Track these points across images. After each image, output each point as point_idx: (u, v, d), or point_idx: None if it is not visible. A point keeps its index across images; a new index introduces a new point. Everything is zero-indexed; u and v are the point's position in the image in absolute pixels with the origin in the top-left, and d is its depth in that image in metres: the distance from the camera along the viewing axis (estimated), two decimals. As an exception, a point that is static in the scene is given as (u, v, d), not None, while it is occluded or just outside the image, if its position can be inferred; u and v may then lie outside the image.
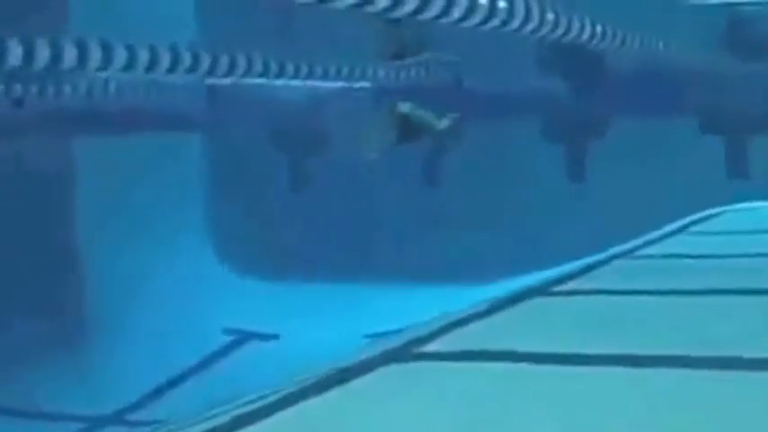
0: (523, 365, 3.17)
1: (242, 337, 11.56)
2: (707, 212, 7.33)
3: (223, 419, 2.88)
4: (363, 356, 3.45)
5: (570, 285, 4.62)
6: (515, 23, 3.78)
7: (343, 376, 3.18)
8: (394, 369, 3.29)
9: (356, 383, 3.13)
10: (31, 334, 10.57)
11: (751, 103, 10.52)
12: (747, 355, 3.08)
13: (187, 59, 5.29)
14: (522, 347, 3.38)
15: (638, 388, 2.87)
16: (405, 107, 9.27)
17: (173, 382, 10.33)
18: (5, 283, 10.62)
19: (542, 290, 4.52)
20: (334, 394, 3.02)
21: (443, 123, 9.34)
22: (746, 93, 10.31)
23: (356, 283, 11.77)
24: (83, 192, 11.94)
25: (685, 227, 6.82)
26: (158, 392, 10.08)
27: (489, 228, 11.67)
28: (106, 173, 11.78)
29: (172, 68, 5.21)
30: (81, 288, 11.82)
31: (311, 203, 12.64)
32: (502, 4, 3.61)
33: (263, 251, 12.44)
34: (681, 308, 4.03)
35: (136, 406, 9.78)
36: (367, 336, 8.46)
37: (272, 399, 2.98)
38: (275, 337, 11.26)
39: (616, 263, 5.37)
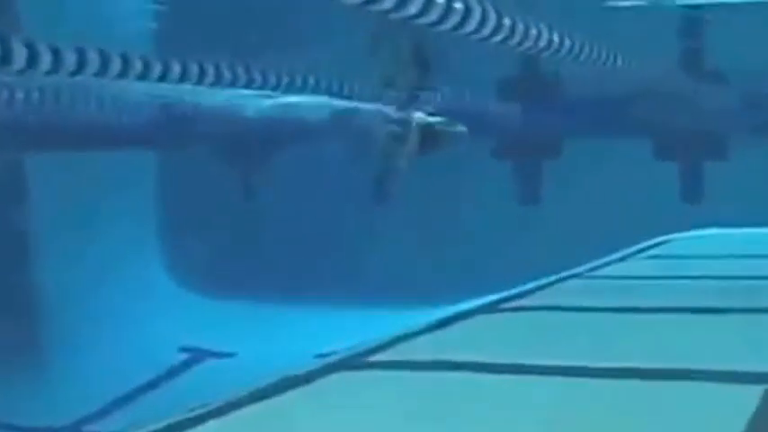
0: (470, 374, 3.22)
1: (197, 355, 11.53)
2: (661, 238, 7.42)
3: (169, 421, 2.89)
4: (312, 365, 3.47)
5: (520, 302, 4.68)
6: (471, 25, 3.79)
7: (292, 383, 3.20)
8: (342, 377, 3.33)
9: (304, 390, 3.16)
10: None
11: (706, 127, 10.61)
12: (692, 366, 3.15)
13: (138, 66, 5.22)
14: (470, 358, 3.42)
15: (582, 397, 2.92)
16: (425, 118, 9.44)
17: (126, 398, 10.29)
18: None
19: (492, 306, 4.58)
20: (280, 400, 3.05)
21: (460, 129, 9.50)
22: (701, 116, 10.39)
23: (306, 301, 11.79)
24: (33, 207, 11.88)
25: (639, 251, 6.90)
26: (112, 408, 10.04)
27: (435, 250, 11.73)
28: (57, 188, 11.72)
29: (122, 74, 5.14)
30: (32, 303, 11.74)
31: (264, 221, 12.66)
32: (458, 5, 3.62)
33: (215, 268, 12.42)
34: (629, 324, 4.09)
35: (88, 420, 9.74)
36: (320, 355, 8.47)
37: (216, 404, 2.98)
38: (231, 355, 11.25)
39: (567, 283, 5.43)
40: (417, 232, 12.02)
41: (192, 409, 2.94)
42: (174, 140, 11.69)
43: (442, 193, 11.80)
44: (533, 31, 4.37)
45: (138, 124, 10.70)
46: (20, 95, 7.80)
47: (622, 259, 6.48)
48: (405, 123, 9.42)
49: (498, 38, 4.08)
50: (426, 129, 9.46)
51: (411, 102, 9.36)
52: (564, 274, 5.66)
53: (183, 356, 11.58)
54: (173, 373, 11.20)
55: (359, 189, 12.11)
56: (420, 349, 3.70)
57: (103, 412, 10.01)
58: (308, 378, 3.27)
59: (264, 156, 12.30)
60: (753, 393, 2.77)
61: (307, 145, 11.65)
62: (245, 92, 8.54)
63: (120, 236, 12.39)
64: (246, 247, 12.64)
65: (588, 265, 6.02)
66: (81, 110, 9.18)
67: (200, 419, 2.87)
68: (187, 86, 7.20)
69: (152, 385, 10.77)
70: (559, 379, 3.12)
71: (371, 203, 12.19)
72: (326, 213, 12.54)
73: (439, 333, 3.99)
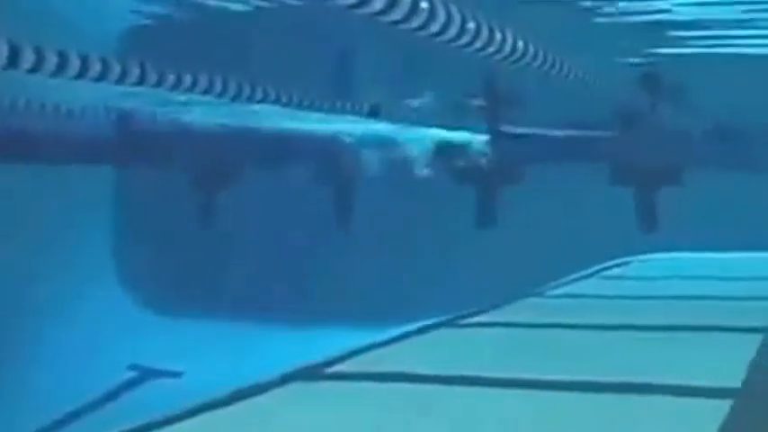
0: (426, 386, 3.22)
1: (146, 374, 11.43)
2: (617, 260, 7.49)
3: (125, 427, 2.85)
4: (271, 376, 3.45)
5: (479, 319, 4.67)
6: (435, 27, 3.79)
7: (250, 392, 3.18)
8: (299, 387, 3.31)
9: (259, 400, 3.14)
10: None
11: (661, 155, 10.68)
12: (651, 381, 3.15)
13: (97, 66, 5.14)
14: (426, 371, 3.43)
15: (537, 409, 2.92)
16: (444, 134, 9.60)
17: (73, 415, 10.20)
18: None
19: (452, 322, 4.57)
20: (239, 407, 3.03)
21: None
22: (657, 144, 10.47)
23: (262, 320, 11.74)
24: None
25: (596, 272, 6.95)
26: (57, 425, 9.93)
27: (394, 271, 11.71)
28: (13, 202, 11.60)
29: (80, 74, 5.05)
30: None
31: (219, 240, 12.59)
32: (424, 5, 3.61)
33: (169, 286, 12.35)
34: (586, 341, 4.09)
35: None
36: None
37: (172, 413, 2.96)
38: (179, 374, 11.15)
39: (526, 301, 5.44)
40: (375, 254, 12.01)
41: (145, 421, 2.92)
42: (136, 157, 11.56)
43: (399, 216, 11.80)
44: (498, 38, 4.38)
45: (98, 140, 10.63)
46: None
47: (580, 279, 6.51)
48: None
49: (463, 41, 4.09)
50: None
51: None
52: (523, 292, 5.68)
53: (132, 374, 11.48)
54: (120, 390, 11.10)
55: (316, 211, 12.09)
56: (377, 361, 3.69)
57: (49, 429, 9.90)
58: (264, 388, 3.25)
59: (228, 176, 12.26)
60: (720, 408, 2.78)
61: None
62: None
63: (76, 252, 12.29)
64: (201, 267, 12.58)
65: (547, 285, 6.05)
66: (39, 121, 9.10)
67: (155, 426, 2.84)
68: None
69: (99, 403, 10.67)
70: (515, 392, 3.13)
71: (329, 225, 12.18)
72: (283, 235, 12.51)
73: (397, 346, 3.98)
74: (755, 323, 4.26)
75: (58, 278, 11.87)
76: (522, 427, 2.74)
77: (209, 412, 2.95)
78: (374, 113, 8.47)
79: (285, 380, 3.37)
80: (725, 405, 2.81)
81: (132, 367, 11.48)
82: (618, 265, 7.32)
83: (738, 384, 3.09)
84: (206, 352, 11.46)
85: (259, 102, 6.78)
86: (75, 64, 4.96)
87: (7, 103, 8.25)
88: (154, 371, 11.43)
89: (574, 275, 6.65)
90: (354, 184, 10.59)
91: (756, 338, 3.90)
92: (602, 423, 2.73)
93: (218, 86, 6.06)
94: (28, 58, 4.68)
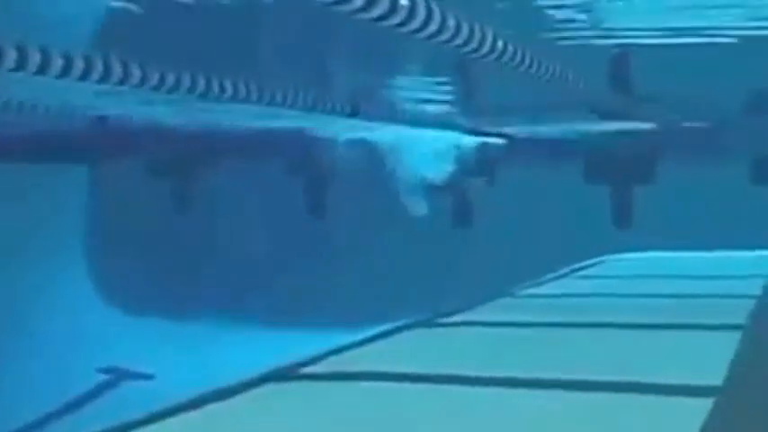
0: (401, 385, 3.21)
1: (117, 376, 11.38)
2: (593, 260, 7.52)
3: (101, 427, 2.84)
4: (246, 377, 3.42)
5: (455, 318, 4.67)
6: (415, 24, 3.76)
7: (223, 393, 3.16)
8: (274, 387, 3.29)
9: (236, 400, 3.12)
10: None
11: (636, 152, 10.71)
12: (627, 379, 3.15)
13: (80, 65, 5.08)
14: (401, 369, 3.42)
15: (511, 406, 2.92)
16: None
17: (45, 418, 10.15)
18: None
19: (427, 321, 4.56)
20: (212, 408, 3.00)
21: None
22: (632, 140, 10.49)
23: (234, 323, 11.73)
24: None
25: (572, 271, 6.97)
26: (32, 427, 9.89)
27: (365, 271, 11.71)
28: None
29: (63, 73, 5.00)
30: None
31: (193, 240, 12.55)
32: (403, 2, 3.59)
33: (142, 288, 12.31)
34: (561, 339, 4.10)
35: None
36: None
37: (143, 415, 2.93)
38: (150, 376, 11.11)
39: (502, 300, 5.44)
40: (353, 255, 12.00)
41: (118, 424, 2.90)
42: (110, 156, 11.44)
43: (381, 215, 11.80)
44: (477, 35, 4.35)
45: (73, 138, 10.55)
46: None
47: (556, 279, 6.52)
48: None
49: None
50: None
51: None
52: (499, 292, 5.68)
53: (103, 376, 11.44)
54: (92, 393, 11.06)
55: (293, 210, 12.06)
56: (353, 361, 3.67)
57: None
58: (238, 389, 3.23)
59: (199, 173, 12.19)
60: (702, 406, 2.76)
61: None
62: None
63: (47, 252, 12.24)
64: (174, 267, 12.54)
65: (523, 284, 6.05)
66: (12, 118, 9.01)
67: (127, 428, 2.82)
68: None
69: (70, 406, 10.62)
70: (492, 390, 3.12)
71: (307, 225, 12.16)
72: (259, 233, 12.49)
73: (372, 346, 3.98)
74: (734, 321, 4.27)
75: (28, 278, 11.82)
76: (499, 424, 2.73)
77: (182, 414, 2.93)
78: (354, 112, 8.43)
79: (260, 381, 3.36)
80: (707, 403, 2.79)
81: (104, 369, 11.43)
82: (593, 265, 7.35)
83: (720, 382, 3.08)
84: (177, 353, 11.44)
85: (239, 100, 6.73)
86: (57, 63, 4.91)
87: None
88: (126, 372, 11.39)
89: (549, 275, 6.67)
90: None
91: (735, 336, 3.90)
92: (582, 421, 2.73)
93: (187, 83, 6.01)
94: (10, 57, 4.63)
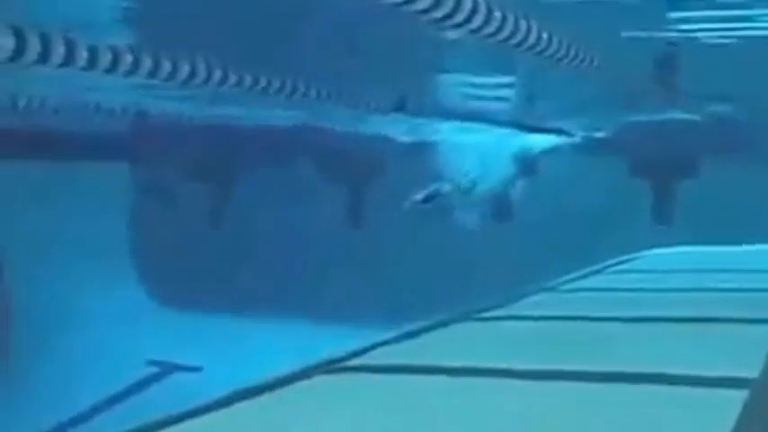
0: (444, 378, 3.25)
1: (166, 369, 11.49)
2: (630, 255, 7.50)
3: (146, 421, 2.89)
4: (292, 369, 3.48)
5: (494, 313, 4.71)
6: (460, 17, 3.80)
7: (270, 385, 3.22)
8: (321, 380, 3.34)
9: (282, 392, 3.18)
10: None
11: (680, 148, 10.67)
12: (667, 371, 3.19)
13: (128, 60, 5.10)
14: (443, 363, 3.46)
15: (554, 399, 2.96)
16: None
17: (93, 411, 10.25)
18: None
19: (467, 316, 4.61)
20: (258, 401, 3.07)
21: None
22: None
23: (277, 317, 11.77)
24: (5, 219, 11.80)
25: (609, 266, 6.97)
26: (81, 419, 10.00)
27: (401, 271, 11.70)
28: (29, 200, 11.66)
29: (111, 69, 5.02)
30: (4, 315, 11.68)
31: (235, 234, 12.61)
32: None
33: (187, 282, 12.38)
34: (601, 333, 4.12)
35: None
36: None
37: (192, 407, 2.99)
38: (198, 369, 11.21)
39: (540, 295, 5.47)
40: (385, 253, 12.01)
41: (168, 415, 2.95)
42: (152, 154, 11.50)
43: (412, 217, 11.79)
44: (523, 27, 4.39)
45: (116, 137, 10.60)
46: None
47: (596, 273, 6.54)
48: None
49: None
50: None
51: None
52: (537, 287, 5.71)
53: (151, 370, 11.54)
54: (141, 385, 11.16)
55: (329, 211, 12.10)
56: (398, 355, 3.73)
57: (69, 425, 9.95)
58: (284, 381, 3.29)
59: (243, 172, 12.22)
60: (737, 398, 2.81)
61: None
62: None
63: (94, 248, 12.34)
64: (215, 262, 12.60)
65: (560, 279, 6.08)
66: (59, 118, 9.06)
67: (177, 420, 2.88)
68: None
69: (119, 398, 10.72)
70: (533, 383, 3.15)
71: (341, 224, 12.19)
72: (295, 233, 12.51)
73: (413, 341, 4.02)
74: (771, 314, 4.29)
75: (76, 274, 11.93)
76: (539, 416, 2.77)
77: (230, 406, 2.98)
78: (400, 107, 8.33)
79: (306, 373, 3.41)
80: (742, 395, 2.83)
81: (152, 363, 11.54)
82: (632, 259, 7.35)
83: (756, 374, 3.12)
84: (224, 347, 11.51)
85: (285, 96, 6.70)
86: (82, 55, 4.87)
87: (24, 102, 8.23)
88: (173, 366, 11.49)
89: (586, 270, 6.68)
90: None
91: (772, 329, 3.93)
92: (620, 413, 2.77)
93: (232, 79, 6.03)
94: (34, 49, 4.59)
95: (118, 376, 11.09)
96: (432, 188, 9.83)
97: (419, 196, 9.76)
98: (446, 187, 10.20)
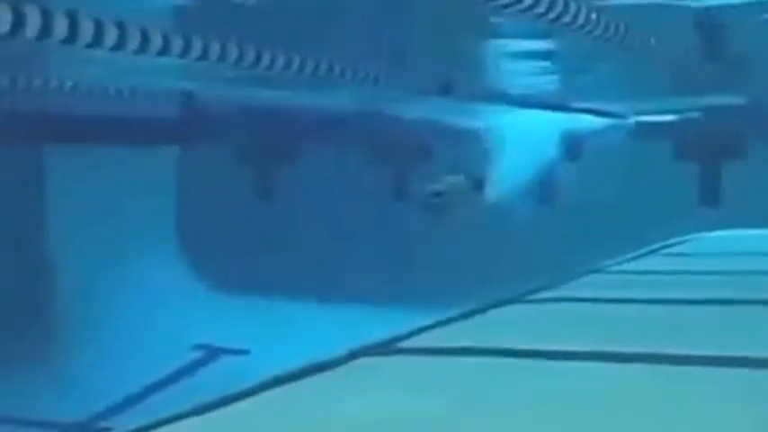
0: (496, 359, 3.26)
1: (212, 352, 11.55)
2: (678, 238, 7.48)
3: (197, 403, 2.91)
4: (339, 352, 3.50)
5: (543, 294, 4.72)
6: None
7: (318, 367, 3.24)
8: (368, 362, 3.35)
9: (331, 374, 3.20)
10: (2, 346, 10.54)
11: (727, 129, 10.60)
12: (704, 353, 3.20)
13: (157, 41, 5.08)
14: (495, 345, 3.46)
15: (605, 381, 2.97)
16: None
17: (140, 395, 10.32)
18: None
19: (516, 298, 4.61)
20: (307, 383, 3.09)
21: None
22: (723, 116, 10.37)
23: (323, 300, 11.81)
24: (53, 203, 11.91)
25: (656, 249, 6.96)
26: (124, 405, 10.06)
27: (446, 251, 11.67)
28: (77, 184, 11.75)
29: (141, 49, 5.01)
30: (52, 299, 11.79)
31: (283, 218, 12.64)
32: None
33: (233, 266, 12.44)
34: (650, 315, 4.12)
35: (101, 416, 9.75)
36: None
37: (243, 388, 3.01)
38: (245, 352, 11.26)
39: (589, 277, 5.48)
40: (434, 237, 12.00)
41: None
42: (200, 137, 11.49)
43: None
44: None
45: (163, 120, 10.64)
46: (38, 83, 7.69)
47: (643, 256, 6.53)
48: None
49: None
50: None
51: None
52: (586, 269, 5.71)
53: (198, 354, 11.61)
54: (186, 370, 11.22)
55: (378, 192, 12.10)
56: (446, 337, 3.73)
57: (116, 409, 10.02)
58: (333, 363, 3.31)
59: (287, 154, 12.22)
60: None
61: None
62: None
63: (140, 231, 12.42)
64: (263, 246, 12.65)
65: (610, 262, 6.08)
66: (103, 101, 9.09)
67: (226, 401, 2.90)
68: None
69: (165, 382, 10.78)
70: (583, 364, 3.16)
71: (391, 205, 12.17)
72: (344, 214, 12.54)
73: (465, 322, 4.04)
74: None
75: (124, 259, 12.02)
76: (587, 397, 2.78)
77: (278, 387, 3.01)
78: (446, 90, 8.27)
79: (354, 355, 3.42)
80: None
81: (199, 346, 11.61)
82: (680, 242, 7.33)
83: None
84: (270, 330, 11.55)
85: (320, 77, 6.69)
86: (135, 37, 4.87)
87: (70, 86, 8.28)
88: (220, 349, 11.56)
89: (636, 253, 6.67)
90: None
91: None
92: (669, 393, 2.77)
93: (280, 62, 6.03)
94: (87, 32, 4.59)
95: (164, 361, 11.16)
96: (443, 182, 9.74)
97: (430, 190, 9.66)
98: (459, 181, 10.10)
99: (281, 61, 6.13)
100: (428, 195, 9.61)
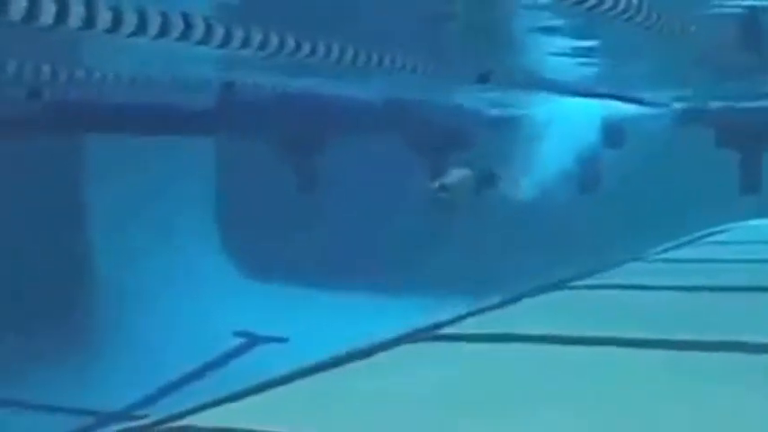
0: (537, 346, 3.26)
1: (252, 340, 11.60)
2: (720, 227, 7.46)
3: (241, 387, 2.93)
4: (381, 338, 3.51)
5: (585, 282, 4.71)
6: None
7: (360, 354, 3.25)
8: (411, 348, 3.36)
9: (375, 359, 3.21)
10: (44, 332, 10.62)
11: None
12: (754, 340, 3.18)
13: (200, 28, 5.08)
14: (536, 331, 3.46)
15: (648, 367, 2.97)
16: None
17: (179, 383, 10.37)
18: (19, 284, 10.70)
19: (559, 285, 4.61)
20: (350, 368, 3.10)
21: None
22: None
23: (360, 289, 11.82)
24: (93, 191, 11.98)
25: (699, 238, 6.94)
26: (167, 391, 10.12)
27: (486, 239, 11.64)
28: (118, 174, 11.82)
29: (183, 37, 5.01)
30: (93, 287, 11.87)
31: (322, 206, 12.66)
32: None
33: (272, 254, 12.48)
34: (691, 301, 4.11)
35: (139, 405, 9.81)
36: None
37: (284, 373, 3.03)
38: (284, 340, 11.30)
39: (631, 265, 5.47)
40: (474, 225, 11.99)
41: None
42: (238, 126, 11.52)
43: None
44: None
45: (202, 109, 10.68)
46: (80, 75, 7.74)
47: (685, 244, 6.51)
48: None
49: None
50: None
51: None
52: (627, 257, 5.70)
53: (238, 341, 11.66)
54: (226, 357, 11.27)
55: (416, 181, 12.09)
56: (488, 324, 3.74)
57: (155, 397, 10.08)
58: (378, 349, 3.32)
59: (325, 143, 12.23)
60: None
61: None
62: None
63: (180, 220, 12.49)
64: (301, 234, 12.69)
65: (650, 251, 6.07)
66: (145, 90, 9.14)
67: (268, 386, 2.91)
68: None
69: (208, 368, 10.84)
70: (625, 350, 3.15)
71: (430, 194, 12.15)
72: (382, 203, 12.55)
73: (505, 309, 4.04)
74: None
75: (165, 247, 12.08)
76: (630, 384, 2.77)
77: (320, 373, 3.02)
78: (485, 78, 8.21)
79: (397, 341, 3.42)
80: None
81: (239, 333, 11.66)
82: (722, 231, 7.30)
83: None
84: (307, 318, 11.59)
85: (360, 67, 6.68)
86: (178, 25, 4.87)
87: (112, 77, 8.32)
88: (260, 337, 11.60)
89: (676, 241, 6.66)
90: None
91: None
92: (712, 381, 2.77)
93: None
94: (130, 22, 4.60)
95: (203, 348, 11.21)
96: (449, 175, 9.67)
97: (436, 183, 9.61)
98: (465, 175, 10.03)
99: (321, 50, 6.12)
100: (433, 189, 9.57)
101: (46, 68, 7.45)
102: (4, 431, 9.35)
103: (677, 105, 10.83)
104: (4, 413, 9.56)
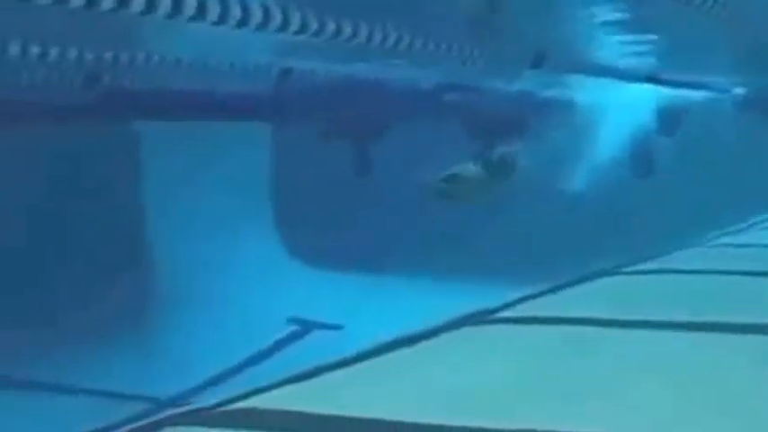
0: (592, 329, 3.27)
1: (307, 326, 11.62)
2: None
3: (292, 373, 2.96)
4: (437, 322, 3.53)
5: (639, 267, 4.70)
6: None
7: (415, 338, 3.26)
8: (466, 331, 3.37)
9: (429, 344, 3.22)
10: (101, 318, 10.69)
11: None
12: None
13: (278, 17, 5.13)
14: (591, 315, 3.46)
15: (704, 350, 2.96)
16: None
17: (234, 370, 10.40)
18: (75, 268, 10.79)
19: (612, 270, 4.60)
20: (405, 353, 3.12)
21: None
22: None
23: (414, 276, 11.81)
24: (151, 178, 12.05)
25: (755, 224, 6.89)
26: (221, 378, 10.15)
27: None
28: (175, 160, 11.88)
29: (262, 26, 5.06)
30: (150, 275, 11.94)
31: (377, 193, 12.65)
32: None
33: (328, 241, 12.49)
34: (751, 286, 4.10)
35: (194, 392, 9.85)
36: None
37: (343, 356, 3.05)
38: (339, 327, 11.31)
39: (687, 251, 5.44)
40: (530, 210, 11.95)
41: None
42: (295, 112, 11.52)
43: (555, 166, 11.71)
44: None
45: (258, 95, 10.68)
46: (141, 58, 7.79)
47: (740, 231, 6.47)
48: None
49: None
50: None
51: None
52: (685, 242, 5.68)
53: (292, 328, 11.68)
54: (280, 344, 11.30)
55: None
56: (542, 307, 3.74)
57: (209, 384, 10.11)
58: (432, 333, 3.33)
59: (382, 129, 12.23)
60: None
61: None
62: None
63: (234, 206, 12.53)
64: (357, 221, 12.69)
65: (708, 235, 6.03)
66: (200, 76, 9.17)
67: (329, 368, 2.94)
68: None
69: (260, 357, 10.86)
70: (679, 334, 3.15)
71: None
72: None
73: (560, 294, 4.04)
74: None
75: (221, 233, 12.13)
76: (687, 368, 2.77)
77: (376, 357, 3.05)
78: (537, 64, 8.17)
79: (450, 326, 3.44)
80: None
81: (293, 320, 11.69)
82: None
83: None
84: (364, 305, 11.60)
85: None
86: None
87: (171, 61, 8.36)
88: (314, 323, 11.62)
89: (731, 228, 6.61)
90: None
91: None
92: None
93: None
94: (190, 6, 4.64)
95: (258, 335, 11.24)
96: (454, 168, 9.61)
97: (440, 176, 9.54)
98: (469, 167, 9.95)
99: (377, 36, 6.14)
100: (438, 180, 9.53)
101: (107, 55, 7.51)
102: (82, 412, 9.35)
103: (737, 90, 10.73)
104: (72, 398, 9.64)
